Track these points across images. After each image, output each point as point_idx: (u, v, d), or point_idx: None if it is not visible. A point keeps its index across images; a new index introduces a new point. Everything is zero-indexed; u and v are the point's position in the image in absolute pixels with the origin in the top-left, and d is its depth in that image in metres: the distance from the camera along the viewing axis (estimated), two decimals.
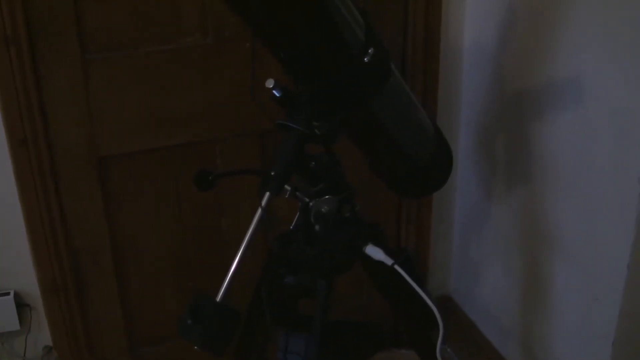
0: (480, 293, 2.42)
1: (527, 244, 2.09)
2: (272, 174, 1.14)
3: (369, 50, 1.18)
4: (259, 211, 1.15)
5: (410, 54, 2.16)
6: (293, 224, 1.38)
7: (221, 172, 1.36)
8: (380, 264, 1.29)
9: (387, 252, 1.29)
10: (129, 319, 2.18)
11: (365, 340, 1.51)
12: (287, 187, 1.30)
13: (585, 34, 1.68)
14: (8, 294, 2.00)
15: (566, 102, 1.78)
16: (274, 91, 1.16)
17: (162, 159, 2.03)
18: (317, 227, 1.31)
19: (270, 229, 1.19)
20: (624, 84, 1.58)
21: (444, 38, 2.18)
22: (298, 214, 1.36)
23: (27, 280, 2.00)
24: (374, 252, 1.30)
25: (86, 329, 2.11)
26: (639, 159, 1.56)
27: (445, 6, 2.14)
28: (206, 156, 2.06)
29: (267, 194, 1.14)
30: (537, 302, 2.08)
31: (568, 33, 1.73)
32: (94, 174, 1.94)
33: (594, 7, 1.63)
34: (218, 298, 1.12)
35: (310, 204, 1.30)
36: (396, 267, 1.27)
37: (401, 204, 2.40)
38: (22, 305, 2.04)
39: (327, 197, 1.29)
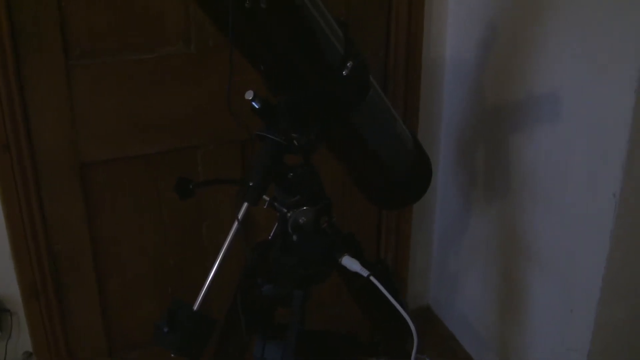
0: (459, 303, 2.44)
1: (505, 256, 2.11)
2: (250, 184, 1.14)
3: (348, 64, 1.18)
4: (236, 223, 1.15)
5: (391, 67, 2.17)
6: (271, 234, 1.39)
7: (201, 181, 1.36)
8: (357, 274, 1.30)
9: (363, 264, 1.30)
10: (108, 323, 2.18)
11: (341, 349, 1.51)
12: (266, 198, 1.30)
13: (564, 51, 1.70)
14: None
15: (545, 117, 1.80)
16: (253, 103, 1.15)
17: (143, 166, 2.03)
18: (294, 237, 1.31)
19: (250, 237, 1.20)
20: (601, 100, 1.61)
21: (426, 51, 2.19)
22: (276, 223, 1.37)
23: (8, 285, 1.99)
24: (350, 263, 1.30)
25: (66, 334, 2.10)
26: (615, 174, 1.59)
27: (428, 20, 2.15)
28: (187, 163, 2.06)
29: (245, 204, 1.14)
30: (514, 313, 2.10)
31: (547, 49, 1.76)
32: (76, 179, 1.94)
33: (572, 24, 1.65)
34: (195, 306, 1.13)
35: (288, 214, 1.30)
36: (371, 278, 1.28)
37: (381, 213, 2.42)
38: (2, 311, 2.03)
39: (304, 208, 1.29)
